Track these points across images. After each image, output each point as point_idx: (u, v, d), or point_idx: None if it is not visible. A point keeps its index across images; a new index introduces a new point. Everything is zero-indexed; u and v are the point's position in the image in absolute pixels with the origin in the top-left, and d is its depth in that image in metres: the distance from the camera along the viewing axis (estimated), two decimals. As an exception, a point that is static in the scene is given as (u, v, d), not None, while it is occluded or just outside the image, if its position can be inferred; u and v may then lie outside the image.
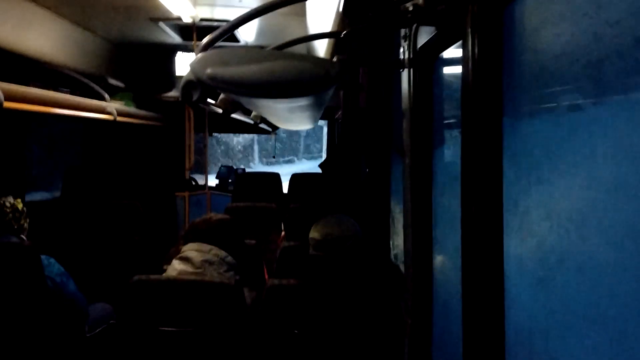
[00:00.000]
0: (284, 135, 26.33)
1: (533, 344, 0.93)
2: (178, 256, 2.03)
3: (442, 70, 1.53)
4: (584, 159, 0.75)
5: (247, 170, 12.52)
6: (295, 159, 28.17)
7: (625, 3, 0.66)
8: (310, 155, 28.60)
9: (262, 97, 1.34)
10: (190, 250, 2.02)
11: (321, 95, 1.51)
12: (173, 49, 4.82)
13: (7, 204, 2.53)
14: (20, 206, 2.58)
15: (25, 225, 2.59)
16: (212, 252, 2.01)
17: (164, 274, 2.01)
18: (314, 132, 27.02)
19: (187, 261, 1.99)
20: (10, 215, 2.51)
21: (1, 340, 2.28)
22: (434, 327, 1.61)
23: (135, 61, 4.96)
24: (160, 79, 5.06)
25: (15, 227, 2.53)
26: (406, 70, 1.56)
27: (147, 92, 5.01)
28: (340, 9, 1.45)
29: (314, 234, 1.94)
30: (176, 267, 1.99)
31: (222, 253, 2.03)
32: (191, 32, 4.01)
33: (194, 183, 5.78)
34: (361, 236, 1.96)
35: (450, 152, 1.46)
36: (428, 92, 1.53)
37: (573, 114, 0.80)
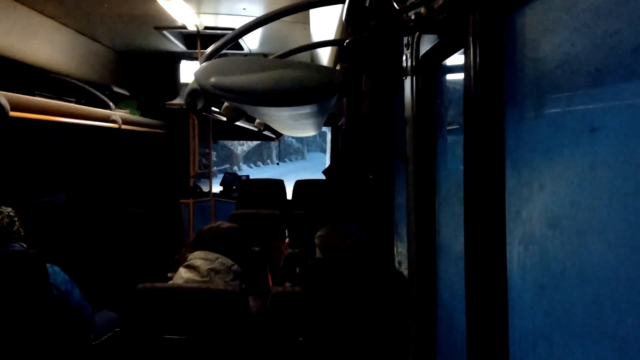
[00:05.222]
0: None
1: (537, 350, 0.93)
2: (185, 264, 2.04)
3: (444, 77, 1.53)
4: (585, 167, 0.76)
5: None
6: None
7: (624, 13, 0.67)
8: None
9: (266, 105, 1.35)
10: (197, 258, 2.02)
11: (325, 103, 1.52)
12: (177, 57, 4.85)
13: (5, 212, 2.52)
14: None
15: (22, 232, 2.58)
16: (218, 260, 2.01)
17: (170, 282, 2.01)
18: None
19: (193, 269, 1.99)
20: (8, 222, 2.51)
21: (6, 348, 2.28)
22: (438, 334, 1.60)
23: (140, 69, 4.99)
24: (164, 87, 5.09)
25: (16, 234, 2.52)
26: (409, 77, 1.57)
27: (151, 100, 5.03)
28: (343, 18, 1.46)
29: (316, 239, 1.98)
30: (183, 275, 1.99)
31: (229, 262, 2.03)
32: (195, 40, 4.04)
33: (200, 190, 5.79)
34: (365, 240, 1.97)
35: (453, 159, 1.46)
36: (430, 99, 1.53)
37: (574, 121, 0.81)
